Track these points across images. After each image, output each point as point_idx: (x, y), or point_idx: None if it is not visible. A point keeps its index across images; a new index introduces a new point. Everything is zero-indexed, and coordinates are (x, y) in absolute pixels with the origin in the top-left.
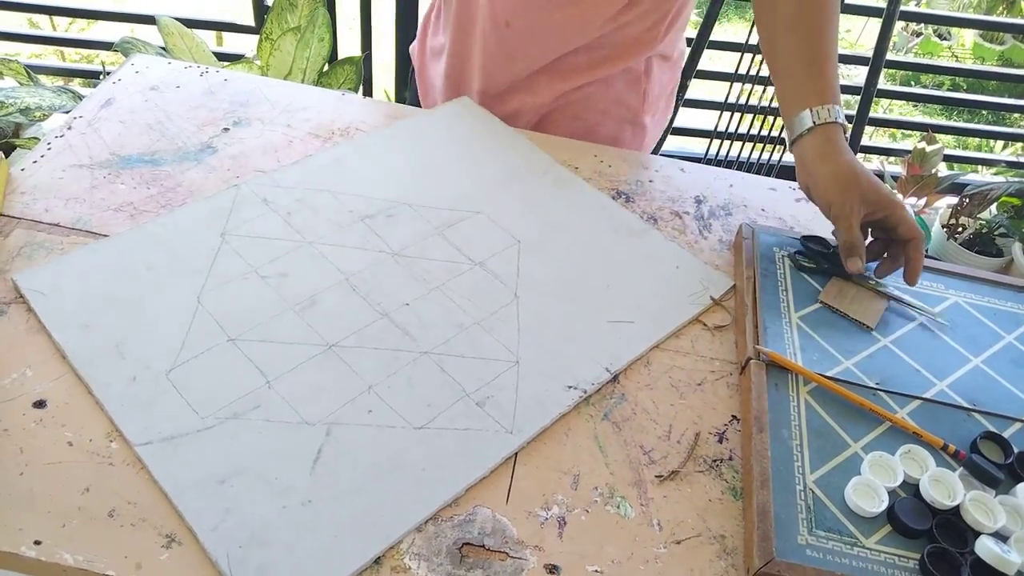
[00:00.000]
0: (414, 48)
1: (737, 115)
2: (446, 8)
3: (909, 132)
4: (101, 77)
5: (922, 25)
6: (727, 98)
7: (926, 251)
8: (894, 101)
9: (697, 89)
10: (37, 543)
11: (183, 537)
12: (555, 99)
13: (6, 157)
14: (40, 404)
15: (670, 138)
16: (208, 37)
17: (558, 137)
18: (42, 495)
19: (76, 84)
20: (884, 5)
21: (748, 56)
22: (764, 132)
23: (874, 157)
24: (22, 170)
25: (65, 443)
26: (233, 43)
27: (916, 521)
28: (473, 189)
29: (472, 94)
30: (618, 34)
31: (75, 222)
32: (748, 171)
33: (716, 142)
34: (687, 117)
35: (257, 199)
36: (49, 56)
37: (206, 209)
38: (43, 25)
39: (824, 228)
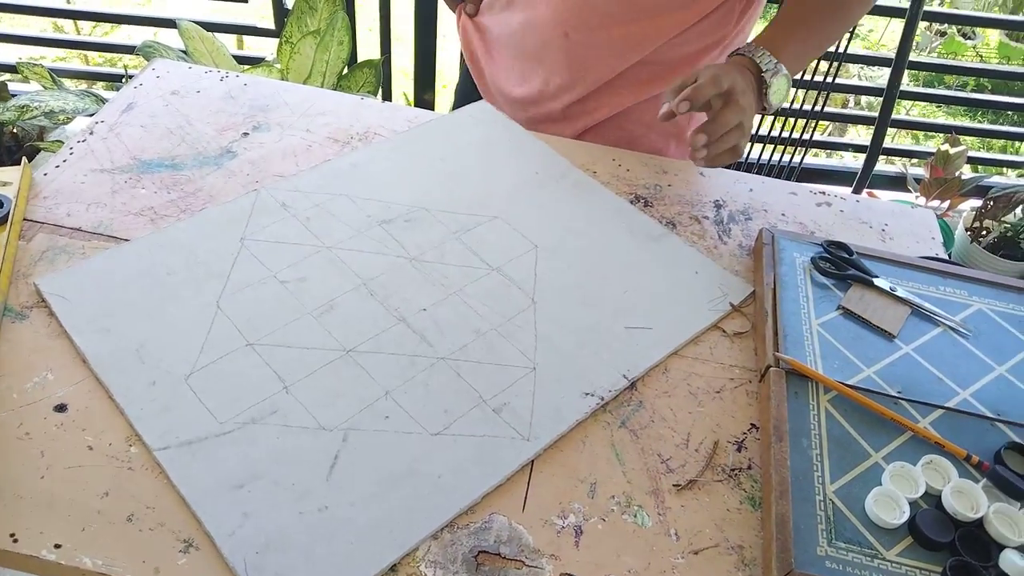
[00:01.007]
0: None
1: (757, 117)
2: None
3: (932, 134)
4: (123, 81)
5: (946, 24)
6: None
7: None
8: (917, 102)
9: None
10: (57, 547)
11: (201, 542)
12: (606, 112)
13: (30, 161)
14: (61, 408)
15: None
16: (228, 40)
17: (576, 141)
18: (62, 499)
19: (99, 87)
20: (907, 5)
21: None
22: (784, 134)
23: (896, 159)
24: (45, 175)
25: (85, 447)
26: (253, 46)
27: (938, 533)
28: (491, 194)
29: (525, 96)
30: (674, 51)
31: (96, 226)
32: (768, 174)
33: None
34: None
35: (276, 204)
36: (73, 59)
37: (225, 214)
38: (67, 28)
39: (846, 234)
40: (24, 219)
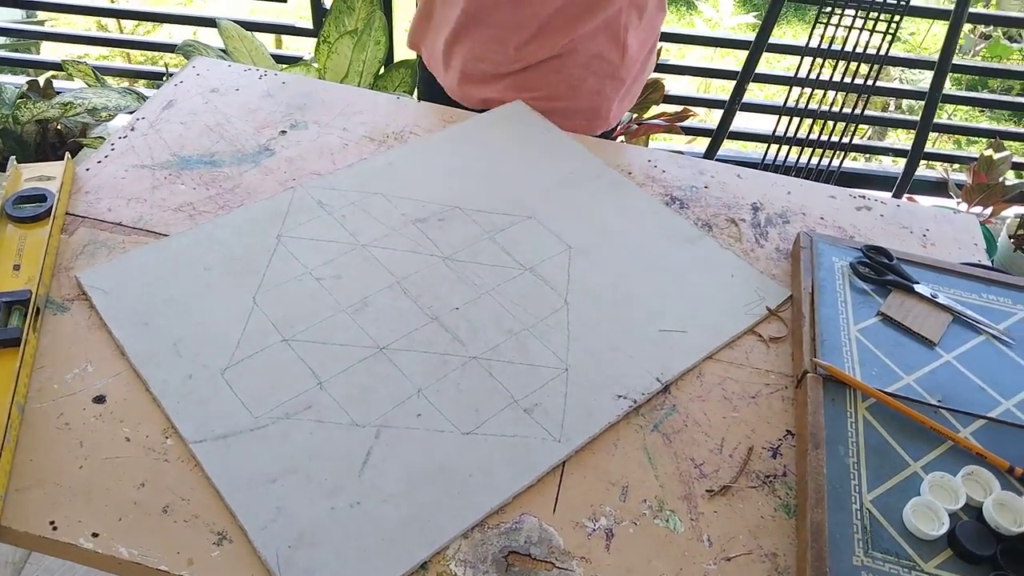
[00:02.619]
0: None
1: (796, 119)
2: None
3: (975, 139)
4: (164, 79)
5: (991, 27)
6: (786, 102)
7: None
8: (959, 106)
9: (755, 93)
10: (95, 535)
11: (234, 535)
12: (542, 52)
13: (73, 156)
14: (100, 399)
15: (727, 142)
16: (267, 40)
17: (611, 142)
18: (100, 489)
19: (141, 85)
20: (951, 7)
21: (808, 59)
22: (824, 137)
23: (937, 164)
24: (87, 170)
25: (123, 438)
26: (292, 46)
27: (979, 546)
28: (525, 194)
29: (461, 63)
30: None
31: (136, 221)
32: (807, 177)
33: (774, 147)
34: (745, 121)
35: (312, 201)
36: (115, 58)
37: (263, 211)
38: (111, 27)
39: (886, 239)
40: (66, 213)
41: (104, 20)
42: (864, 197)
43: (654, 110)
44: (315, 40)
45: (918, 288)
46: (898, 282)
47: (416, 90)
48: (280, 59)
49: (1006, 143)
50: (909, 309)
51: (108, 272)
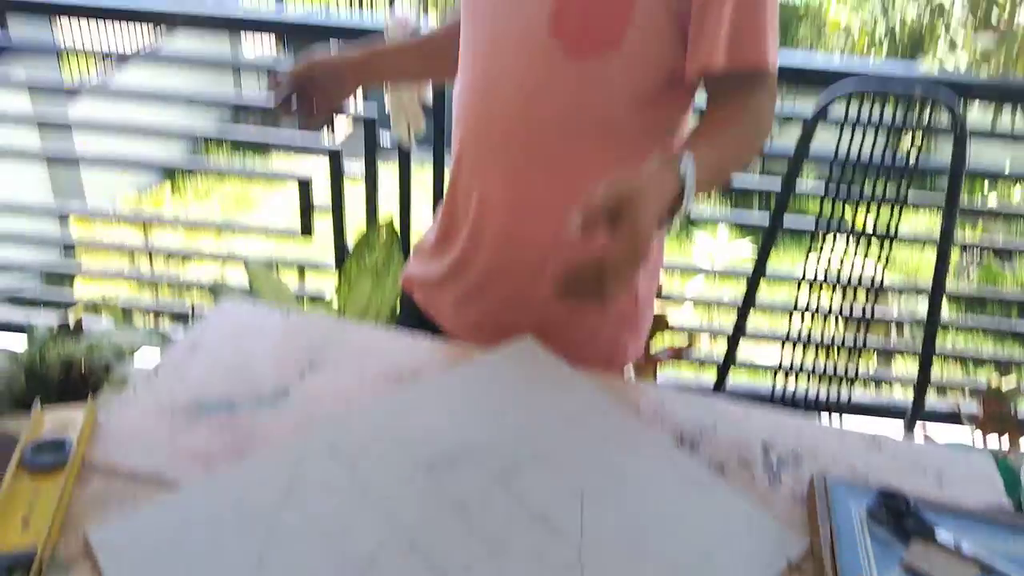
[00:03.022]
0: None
1: (798, 349)
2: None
3: (982, 361)
4: (189, 320)
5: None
6: (788, 332)
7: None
8: (960, 330)
9: (760, 321)
10: None
11: None
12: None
13: (95, 395)
14: None
15: (732, 370)
16: (292, 271)
17: (620, 381)
18: None
19: (166, 320)
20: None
21: (806, 286)
22: (830, 363)
23: (948, 389)
24: (108, 415)
25: None
26: (315, 279)
27: None
28: (535, 436)
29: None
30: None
31: (152, 471)
32: (817, 408)
33: (781, 376)
34: (752, 348)
35: (325, 448)
36: (144, 294)
37: (275, 460)
38: (141, 258)
39: (900, 478)
40: (82, 461)
41: (135, 255)
42: (875, 437)
43: (658, 338)
44: (337, 274)
45: (940, 535)
46: (918, 529)
47: (398, 314)
48: (303, 295)
49: (1015, 366)
50: (933, 560)
51: (117, 531)
